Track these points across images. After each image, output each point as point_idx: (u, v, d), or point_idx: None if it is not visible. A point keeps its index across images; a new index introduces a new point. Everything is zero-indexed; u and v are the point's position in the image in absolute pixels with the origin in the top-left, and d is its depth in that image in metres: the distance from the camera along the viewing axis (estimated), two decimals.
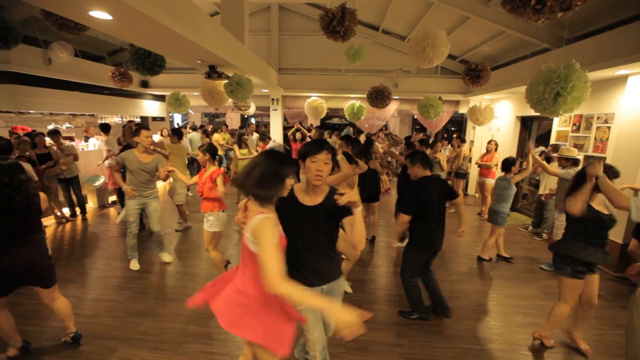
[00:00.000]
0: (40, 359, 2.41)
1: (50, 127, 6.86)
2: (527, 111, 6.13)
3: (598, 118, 4.52)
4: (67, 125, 7.74)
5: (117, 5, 2.31)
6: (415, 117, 11.87)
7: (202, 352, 2.49)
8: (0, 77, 5.44)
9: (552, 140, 5.45)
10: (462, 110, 8.67)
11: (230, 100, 5.07)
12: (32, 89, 5.85)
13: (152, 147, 3.94)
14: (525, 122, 6.87)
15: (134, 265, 3.81)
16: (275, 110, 8.37)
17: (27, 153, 4.29)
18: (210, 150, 3.29)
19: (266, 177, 1.46)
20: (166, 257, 3.99)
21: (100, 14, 2.50)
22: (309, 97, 7.85)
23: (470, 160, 7.45)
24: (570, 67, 2.81)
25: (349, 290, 3.43)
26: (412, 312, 3.01)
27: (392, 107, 9.10)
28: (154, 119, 10.68)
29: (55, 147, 5.15)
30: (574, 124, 4.96)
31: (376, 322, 2.94)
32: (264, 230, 1.39)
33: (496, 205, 4.07)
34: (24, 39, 4.24)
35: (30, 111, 6.61)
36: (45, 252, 2.31)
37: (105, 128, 5.96)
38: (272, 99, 8.31)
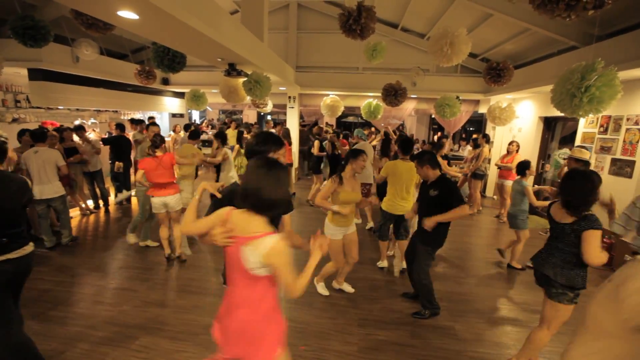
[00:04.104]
0: (67, 343, 2.52)
1: (77, 122, 7.14)
2: (551, 111, 5.93)
3: (628, 119, 4.32)
4: (93, 120, 8.04)
5: (144, 5, 2.38)
6: (433, 116, 11.67)
7: (215, 344, 2.55)
8: (34, 74, 5.71)
9: (577, 142, 5.25)
10: (482, 110, 8.46)
11: (248, 97, 5.13)
12: (61, 86, 6.11)
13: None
14: (549, 123, 6.64)
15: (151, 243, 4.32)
16: (292, 108, 8.41)
17: (55, 147, 4.50)
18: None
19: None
20: (131, 238, 4.32)
21: (127, 14, 2.59)
22: (326, 95, 7.85)
23: (489, 162, 7.27)
24: (589, 67, 2.72)
25: (350, 290, 3.41)
26: (425, 310, 3.01)
27: (410, 106, 8.98)
28: (174, 115, 10.96)
29: (82, 142, 5.37)
30: (602, 125, 4.76)
31: (389, 323, 2.93)
32: (280, 257, 1.31)
33: (513, 209, 3.97)
34: (54, 38, 4.43)
35: (59, 107, 6.90)
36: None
37: (138, 123, 6.30)
38: (289, 97, 8.36)
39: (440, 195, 2.74)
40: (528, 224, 3.99)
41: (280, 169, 1.40)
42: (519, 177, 3.93)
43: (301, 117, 9.98)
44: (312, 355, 2.49)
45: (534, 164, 6.71)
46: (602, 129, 4.75)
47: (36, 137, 3.93)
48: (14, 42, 4.18)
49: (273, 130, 7.88)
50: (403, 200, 3.58)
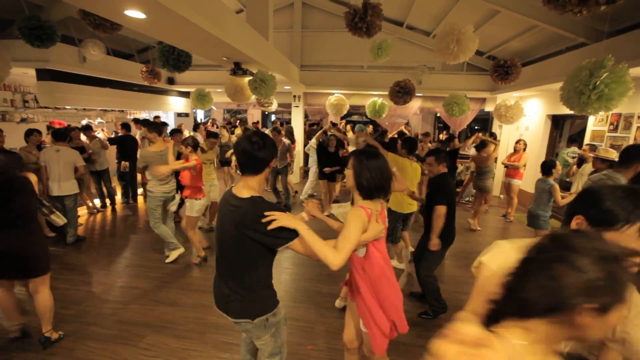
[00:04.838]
0: (76, 341, 2.54)
1: (84, 122, 7.20)
2: (559, 109, 5.85)
3: (639, 117, 4.25)
4: (99, 120, 8.10)
5: (151, 4, 2.38)
6: (438, 115, 11.59)
7: (224, 343, 2.56)
8: (41, 75, 5.76)
9: (587, 141, 5.18)
10: (489, 108, 8.38)
11: (253, 96, 5.13)
12: (68, 86, 6.16)
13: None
14: (557, 121, 6.56)
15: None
16: (297, 107, 8.41)
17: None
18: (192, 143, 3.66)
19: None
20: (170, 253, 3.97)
21: (134, 13, 2.60)
22: (331, 94, 7.83)
23: (495, 160, 7.20)
24: (598, 64, 2.68)
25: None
26: (432, 309, 2.99)
27: (415, 104, 8.92)
28: (179, 114, 11.01)
29: (89, 141, 5.42)
30: (612, 124, 4.69)
31: None
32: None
33: (535, 209, 3.85)
34: (61, 39, 4.46)
35: (67, 107, 6.96)
36: (32, 243, 2.33)
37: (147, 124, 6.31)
38: (294, 96, 8.35)
39: (430, 192, 2.89)
40: (549, 226, 3.87)
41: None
42: (543, 176, 3.77)
43: (306, 116, 9.97)
44: (319, 354, 2.49)
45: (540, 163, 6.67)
46: (612, 127, 4.68)
47: (58, 136, 4.13)
48: (22, 42, 4.22)
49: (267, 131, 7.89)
50: (404, 196, 3.59)
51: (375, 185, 1.59)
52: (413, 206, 3.60)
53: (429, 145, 6.56)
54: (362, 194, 1.64)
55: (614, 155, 3.75)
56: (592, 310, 0.64)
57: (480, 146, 5.65)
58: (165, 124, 7.24)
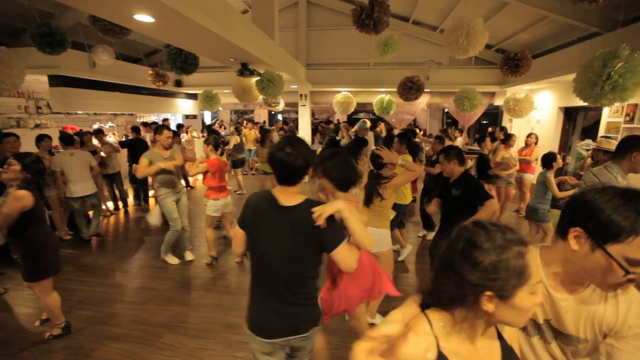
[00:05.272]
0: (95, 341, 2.60)
1: (95, 126, 7.33)
2: (572, 101, 5.73)
3: None
4: (110, 124, 8.24)
5: (159, 8, 2.41)
6: (446, 110, 11.46)
7: (239, 342, 2.58)
8: (54, 81, 5.88)
9: (601, 133, 5.06)
10: (498, 102, 8.25)
11: (260, 96, 5.15)
12: (80, 91, 6.28)
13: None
14: (570, 114, 6.42)
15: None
16: (304, 106, 8.41)
17: None
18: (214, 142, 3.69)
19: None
20: (189, 255, 4.01)
21: (143, 17, 2.63)
22: (338, 92, 7.81)
23: None
24: (612, 54, 2.61)
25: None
26: None
27: (423, 100, 8.84)
28: (187, 116, 11.12)
29: (100, 145, 5.51)
30: (627, 114, 4.57)
31: None
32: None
33: (534, 202, 3.86)
34: (71, 45, 4.53)
35: (78, 112, 7.09)
36: (19, 249, 2.38)
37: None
38: (301, 95, 8.36)
39: (462, 194, 2.55)
40: (550, 218, 3.88)
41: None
42: (544, 169, 3.78)
43: (313, 114, 9.97)
44: (329, 352, 2.49)
45: None
46: (628, 118, 4.56)
47: (67, 141, 4.36)
48: (34, 50, 4.32)
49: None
50: (406, 189, 3.74)
51: (346, 177, 1.75)
52: (408, 197, 3.79)
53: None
54: (341, 187, 1.75)
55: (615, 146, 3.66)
56: (492, 297, 0.72)
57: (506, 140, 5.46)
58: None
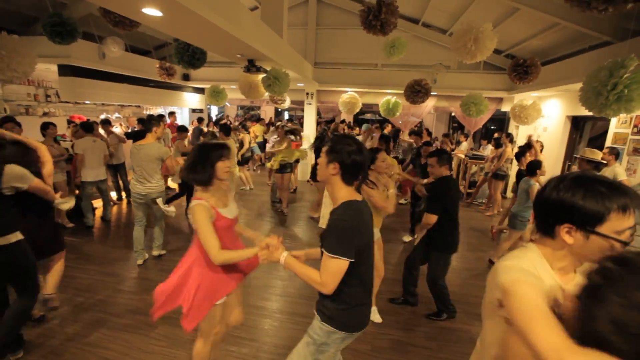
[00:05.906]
0: (90, 328, 2.64)
1: (102, 116, 7.41)
2: (579, 110, 5.65)
3: None
4: (117, 115, 8.32)
5: (167, 2, 2.43)
6: (453, 114, 11.39)
7: (232, 336, 2.60)
8: (63, 70, 5.95)
9: (608, 143, 4.99)
10: (505, 108, 8.18)
11: (266, 93, 5.17)
12: (88, 81, 6.34)
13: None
14: (577, 123, 6.35)
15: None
16: (310, 104, 8.41)
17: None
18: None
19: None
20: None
21: (151, 11, 2.65)
22: (344, 91, 7.80)
23: (511, 162, 7.04)
24: (618, 64, 2.57)
25: (379, 319, 2.94)
26: (441, 312, 2.96)
27: (429, 103, 8.80)
28: (194, 110, 11.19)
29: (107, 135, 5.58)
30: (635, 126, 4.50)
31: (404, 323, 2.90)
32: (194, 215, 1.67)
33: (516, 208, 3.84)
34: (82, 35, 4.58)
35: (86, 102, 7.17)
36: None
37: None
38: (307, 93, 8.36)
39: (429, 195, 2.81)
40: (525, 227, 3.79)
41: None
42: (528, 176, 3.79)
43: (318, 113, 9.97)
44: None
45: (559, 165, 6.47)
46: (635, 130, 4.50)
47: (87, 128, 4.62)
48: (45, 39, 4.37)
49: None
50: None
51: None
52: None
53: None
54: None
55: (600, 157, 3.64)
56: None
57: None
58: (162, 116, 7.19)
